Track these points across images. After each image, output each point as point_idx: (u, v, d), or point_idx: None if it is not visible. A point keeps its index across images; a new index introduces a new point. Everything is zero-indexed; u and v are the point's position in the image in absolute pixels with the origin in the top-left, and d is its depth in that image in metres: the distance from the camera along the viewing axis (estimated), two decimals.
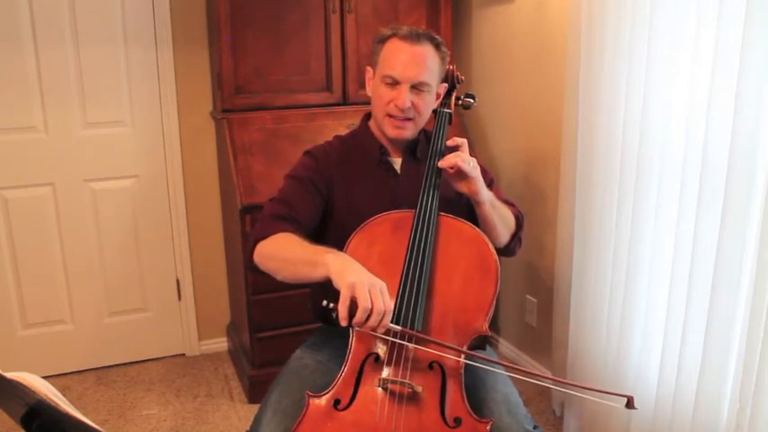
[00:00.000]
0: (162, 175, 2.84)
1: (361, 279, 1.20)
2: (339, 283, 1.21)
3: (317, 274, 1.28)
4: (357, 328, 1.20)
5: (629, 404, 1.22)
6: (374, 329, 1.20)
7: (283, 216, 1.50)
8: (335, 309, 1.20)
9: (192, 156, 2.87)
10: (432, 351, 1.30)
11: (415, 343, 1.30)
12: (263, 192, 2.39)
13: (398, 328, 1.25)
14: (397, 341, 1.28)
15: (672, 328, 1.85)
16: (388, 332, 1.24)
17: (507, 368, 1.43)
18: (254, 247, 1.46)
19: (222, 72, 2.54)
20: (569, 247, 2.26)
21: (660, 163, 1.87)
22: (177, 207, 2.88)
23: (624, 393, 1.23)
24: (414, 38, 1.49)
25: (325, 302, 1.24)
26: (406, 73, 1.48)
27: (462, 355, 1.31)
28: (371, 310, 1.18)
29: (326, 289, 1.27)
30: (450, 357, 1.30)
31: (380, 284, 1.22)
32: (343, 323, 1.19)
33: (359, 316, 1.18)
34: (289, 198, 1.54)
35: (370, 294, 1.18)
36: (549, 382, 1.33)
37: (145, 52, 2.71)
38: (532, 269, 2.74)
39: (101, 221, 2.80)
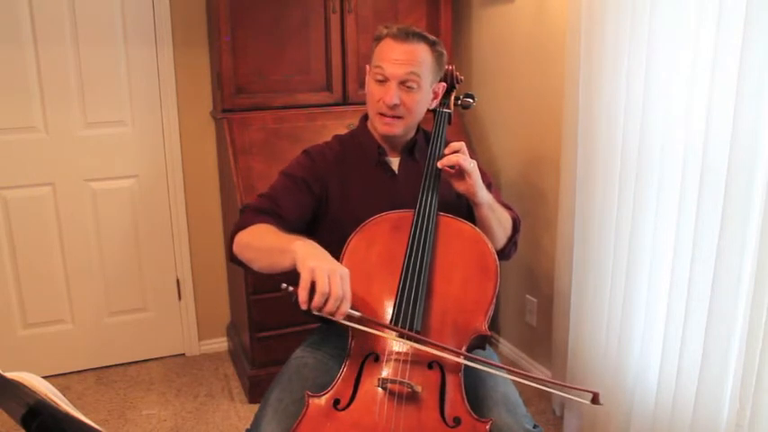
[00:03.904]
0: (162, 175, 2.84)
1: (321, 264, 1.21)
2: (300, 267, 1.22)
3: (286, 261, 1.28)
4: (315, 313, 1.21)
5: (595, 400, 1.24)
6: (332, 315, 1.21)
7: (266, 210, 1.51)
8: (295, 292, 1.20)
9: (192, 156, 2.87)
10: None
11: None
12: (263, 191, 2.39)
13: (357, 313, 1.25)
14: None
15: (672, 328, 1.85)
16: (346, 318, 1.24)
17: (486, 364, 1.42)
18: (233, 237, 1.48)
19: (222, 72, 2.54)
20: (569, 247, 2.26)
21: (660, 162, 1.87)
22: (177, 207, 2.88)
23: (591, 389, 1.25)
24: (404, 36, 1.50)
25: (284, 285, 1.24)
26: (394, 70, 1.49)
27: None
28: (329, 294, 1.18)
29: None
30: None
31: (342, 271, 1.22)
32: (303, 306, 1.20)
33: (316, 299, 1.18)
34: (275, 194, 1.56)
35: (329, 279, 1.19)
36: (516, 375, 1.33)
37: (145, 52, 2.71)
38: (532, 269, 2.74)
39: (101, 221, 2.80)
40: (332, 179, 1.59)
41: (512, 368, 1.36)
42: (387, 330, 1.32)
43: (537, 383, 1.34)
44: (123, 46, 2.68)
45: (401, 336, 1.30)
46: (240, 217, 1.54)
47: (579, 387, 1.30)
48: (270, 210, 1.52)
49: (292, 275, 1.25)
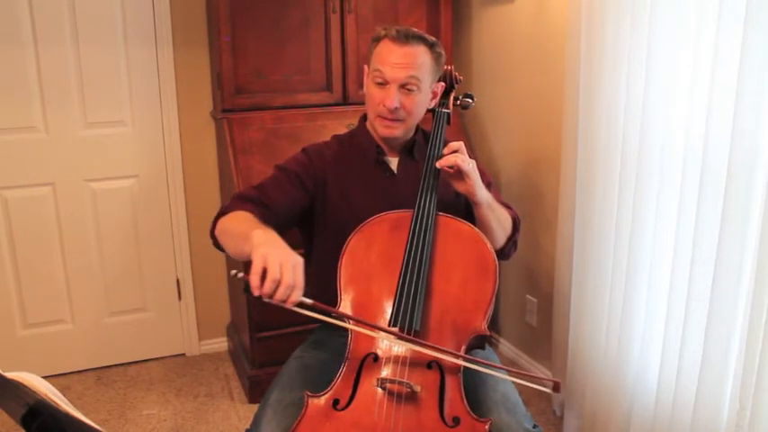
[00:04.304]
0: (162, 175, 2.84)
1: (274, 252, 1.20)
2: (253, 253, 1.21)
3: (247, 248, 1.28)
4: (266, 300, 1.20)
5: (556, 388, 1.27)
6: (283, 302, 1.20)
7: (251, 198, 1.52)
8: (246, 278, 1.20)
9: (192, 156, 2.87)
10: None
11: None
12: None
13: (309, 301, 1.24)
14: (303, 312, 1.27)
15: (672, 328, 1.85)
16: (298, 306, 1.24)
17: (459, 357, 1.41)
18: (216, 221, 1.50)
19: (222, 72, 2.54)
20: (569, 247, 2.26)
21: (660, 163, 1.87)
22: (177, 207, 2.88)
23: (552, 378, 1.28)
24: (403, 39, 1.50)
25: (233, 272, 1.24)
26: (394, 74, 1.49)
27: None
28: (280, 281, 1.18)
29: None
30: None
31: (295, 260, 1.21)
32: (256, 292, 1.19)
33: (266, 286, 1.18)
34: (265, 185, 1.56)
35: (280, 267, 1.18)
36: (472, 362, 1.34)
37: (145, 52, 2.71)
38: (532, 269, 2.74)
39: (101, 221, 2.80)
40: (330, 178, 1.59)
41: (470, 357, 1.34)
42: (348, 321, 1.33)
43: (497, 372, 1.37)
44: (123, 46, 2.68)
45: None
46: (226, 203, 1.55)
47: (540, 376, 1.32)
48: (256, 198, 1.52)
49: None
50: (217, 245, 1.53)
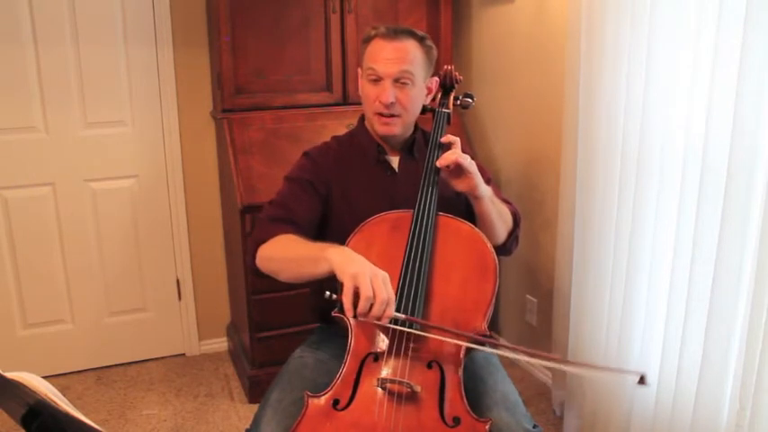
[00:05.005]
0: (162, 175, 2.84)
1: (363, 270, 1.21)
2: (341, 275, 1.22)
3: (319, 269, 1.29)
4: (361, 319, 1.21)
5: (642, 381, 1.26)
6: (378, 319, 1.21)
7: (281, 218, 1.51)
8: (339, 300, 1.21)
9: (192, 156, 2.87)
10: (436, 337, 1.30)
11: (420, 329, 1.30)
12: (263, 192, 2.39)
13: (402, 315, 1.25)
14: (399, 328, 1.28)
15: (672, 329, 1.85)
16: (391, 321, 1.24)
17: (514, 351, 1.42)
18: (255, 251, 1.47)
19: (222, 72, 2.54)
20: (569, 246, 2.26)
21: (660, 162, 1.87)
22: (177, 207, 2.88)
23: (636, 371, 1.26)
24: (392, 34, 1.51)
25: (327, 294, 1.24)
26: (387, 68, 1.50)
27: (464, 345, 1.31)
28: (374, 299, 1.18)
29: (327, 286, 1.27)
30: (451, 347, 1.30)
31: (383, 275, 1.22)
32: (349, 314, 1.20)
33: (362, 305, 1.18)
34: (286, 200, 1.55)
35: (372, 284, 1.19)
36: (559, 362, 1.32)
37: (145, 52, 2.72)
38: (532, 269, 2.74)
39: (101, 221, 2.80)
40: (333, 179, 1.59)
41: (546, 354, 1.34)
42: (434, 331, 1.31)
43: (580, 368, 1.34)
44: (123, 46, 2.69)
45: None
46: (257, 229, 1.53)
47: (625, 370, 1.30)
48: (285, 218, 1.51)
49: (326, 282, 1.27)
50: (259, 273, 1.48)
